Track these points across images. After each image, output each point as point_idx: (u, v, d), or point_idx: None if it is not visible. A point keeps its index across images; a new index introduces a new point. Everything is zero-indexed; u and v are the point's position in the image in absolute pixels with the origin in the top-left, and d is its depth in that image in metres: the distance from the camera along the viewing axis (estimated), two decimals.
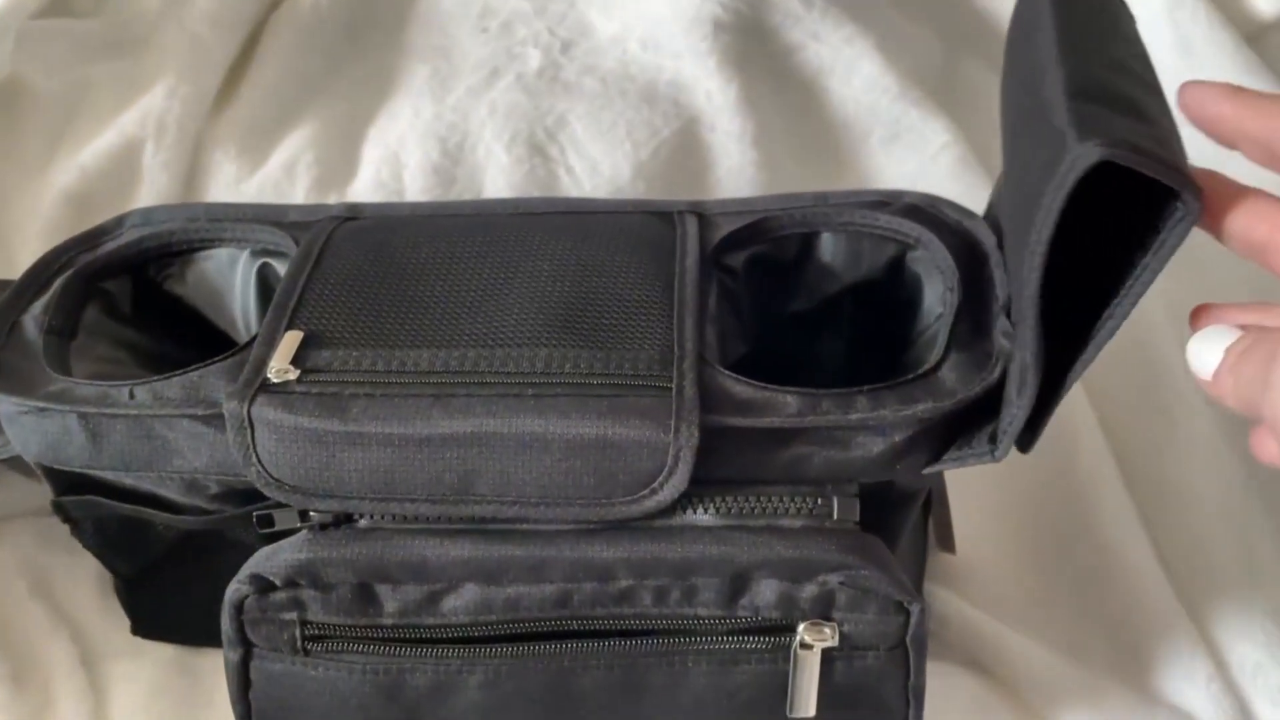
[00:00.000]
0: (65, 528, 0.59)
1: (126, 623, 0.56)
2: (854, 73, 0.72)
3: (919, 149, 0.70)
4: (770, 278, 0.51)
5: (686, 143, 0.68)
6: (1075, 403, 0.59)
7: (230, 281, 0.53)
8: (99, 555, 0.50)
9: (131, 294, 0.53)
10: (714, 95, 0.69)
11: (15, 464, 0.59)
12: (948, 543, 0.55)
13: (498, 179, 0.66)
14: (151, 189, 0.65)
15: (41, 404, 0.43)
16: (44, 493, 0.59)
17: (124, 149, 0.66)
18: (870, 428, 0.42)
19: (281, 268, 0.51)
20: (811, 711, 0.44)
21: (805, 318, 0.53)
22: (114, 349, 0.50)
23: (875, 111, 0.71)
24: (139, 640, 0.55)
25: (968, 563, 0.51)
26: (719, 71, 0.69)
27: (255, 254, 0.52)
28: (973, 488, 0.56)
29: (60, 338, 0.48)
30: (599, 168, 0.66)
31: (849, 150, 0.71)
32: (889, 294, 0.51)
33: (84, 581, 0.57)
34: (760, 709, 0.44)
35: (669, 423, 0.41)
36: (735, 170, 0.66)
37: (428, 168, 0.66)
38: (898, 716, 0.45)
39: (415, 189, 0.67)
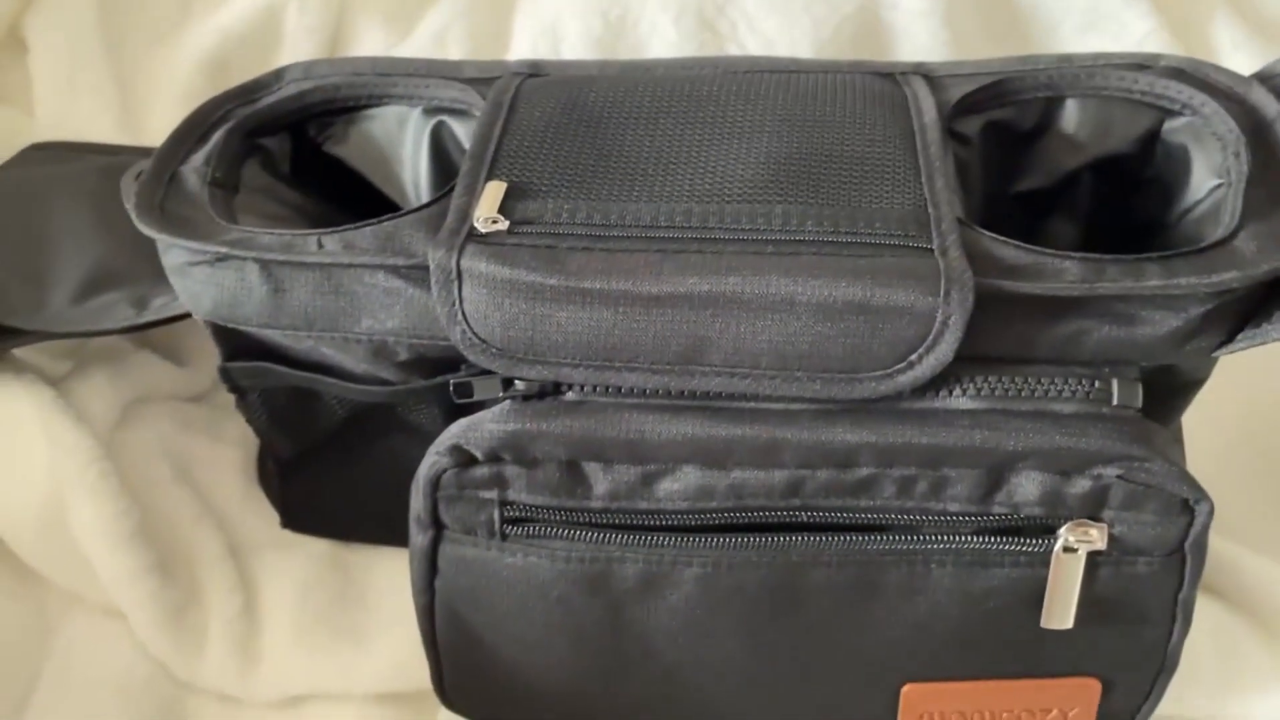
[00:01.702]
0: (206, 414, 0.55)
1: (273, 515, 0.52)
2: None
3: (1117, 37, 0.64)
4: (1006, 148, 0.46)
5: (869, 21, 0.62)
6: None
7: (399, 142, 0.48)
8: (262, 431, 0.46)
9: (291, 154, 0.48)
10: None
11: (150, 340, 0.56)
12: None
13: (663, 55, 0.61)
14: (294, 55, 0.61)
15: (221, 249, 0.39)
16: (183, 377, 0.56)
17: (266, 11, 0.62)
18: (1163, 300, 0.36)
19: (460, 128, 0.47)
20: (1069, 624, 0.39)
21: (1036, 198, 0.47)
22: (279, 207, 0.46)
23: None
24: (288, 534, 0.51)
25: (1201, 481, 0.45)
26: None
27: (429, 111, 0.47)
28: (1206, 401, 0.50)
29: (225, 190, 0.44)
30: (774, 45, 0.60)
31: (1038, 40, 0.65)
32: (1137, 171, 0.45)
33: (227, 471, 0.53)
34: (1008, 619, 0.39)
35: (937, 284, 0.36)
36: (923, 50, 0.61)
37: (589, 40, 0.61)
38: (1161, 632, 0.40)
39: None
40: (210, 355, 0.45)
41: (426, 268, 0.37)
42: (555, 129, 0.42)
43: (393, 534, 0.42)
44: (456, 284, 0.37)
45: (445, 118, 0.47)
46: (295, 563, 0.50)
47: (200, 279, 0.41)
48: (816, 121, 0.42)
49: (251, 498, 0.53)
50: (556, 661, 0.42)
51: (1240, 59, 0.65)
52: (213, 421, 0.54)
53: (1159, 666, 0.41)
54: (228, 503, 0.52)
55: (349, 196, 0.49)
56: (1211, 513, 0.37)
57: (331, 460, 0.48)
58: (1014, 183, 0.47)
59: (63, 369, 0.52)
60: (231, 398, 0.48)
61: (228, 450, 0.54)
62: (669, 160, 0.41)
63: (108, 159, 0.55)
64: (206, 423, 0.54)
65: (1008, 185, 0.47)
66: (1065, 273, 0.37)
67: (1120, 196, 0.46)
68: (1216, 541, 0.48)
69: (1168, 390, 0.40)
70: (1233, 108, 0.42)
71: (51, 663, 0.46)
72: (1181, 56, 0.45)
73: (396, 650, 0.47)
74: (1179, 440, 0.46)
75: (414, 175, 0.48)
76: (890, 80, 0.45)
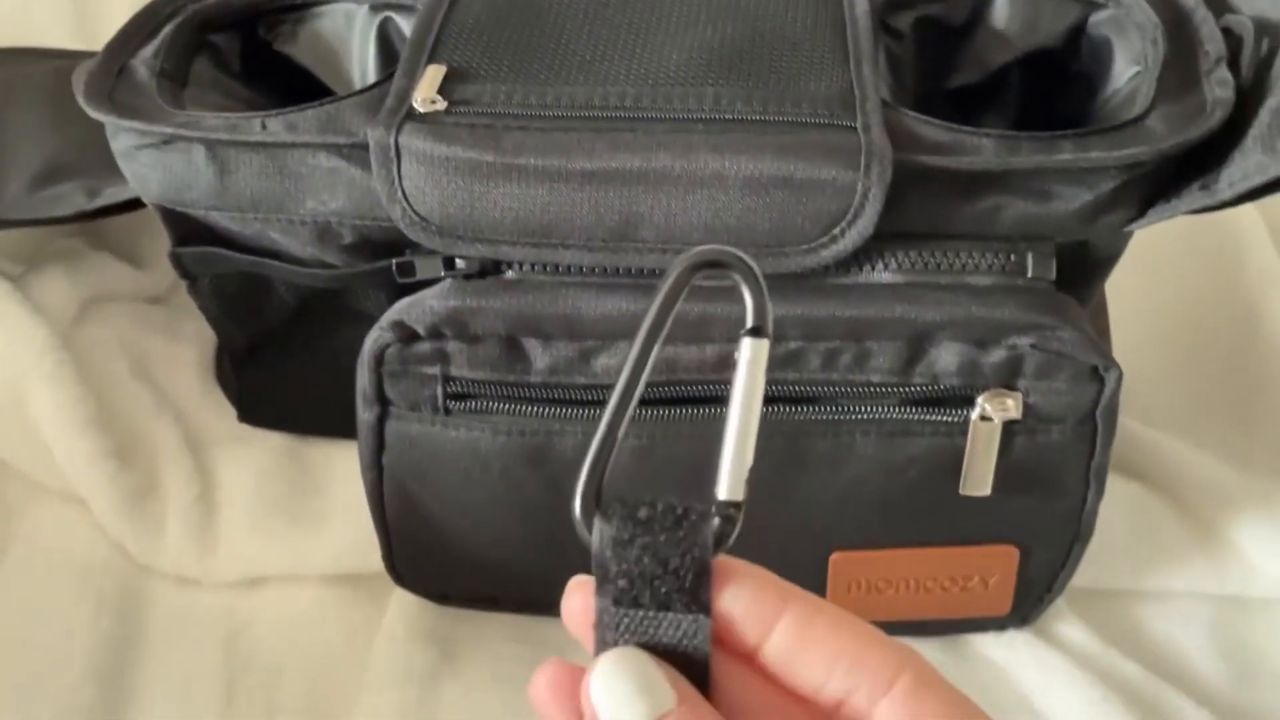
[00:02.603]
0: (164, 314, 0.57)
1: (230, 412, 0.53)
2: None
3: None
4: (937, 43, 0.47)
5: None
6: (1243, 210, 0.55)
7: (347, 39, 0.49)
8: (213, 319, 0.47)
9: (240, 52, 0.49)
10: None
11: (107, 242, 0.57)
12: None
13: None
14: None
15: (168, 131, 0.40)
16: (140, 278, 0.57)
17: None
18: (1075, 175, 0.38)
19: (405, 24, 0.48)
20: (987, 490, 0.41)
21: (967, 94, 0.49)
22: (228, 102, 0.46)
23: None
24: (245, 428, 0.53)
25: (1125, 373, 0.47)
26: None
27: (375, 8, 0.48)
28: (1131, 296, 0.52)
29: (173, 82, 0.45)
30: None
31: None
32: (1063, 65, 0.47)
33: (185, 368, 0.54)
34: (929, 487, 0.41)
35: (858, 159, 0.37)
36: None
37: None
38: (1076, 500, 0.42)
39: None
40: (167, 257, 0.46)
41: (367, 147, 0.39)
42: (496, 17, 0.43)
43: (347, 427, 0.43)
44: (395, 162, 0.38)
45: (392, 14, 0.48)
46: (252, 454, 0.51)
47: (148, 162, 0.42)
48: (751, 11, 0.43)
49: (209, 394, 0.54)
50: (502, 534, 0.44)
51: None
52: (170, 321, 0.56)
53: (1074, 534, 0.43)
54: (185, 398, 0.53)
55: (299, 95, 0.50)
56: (1120, 379, 0.39)
57: (285, 352, 0.49)
58: (946, 78, 0.48)
59: (18, 270, 0.53)
60: (189, 300, 0.49)
61: (185, 349, 0.55)
62: (606, 47, 0.42)
63: (63, 62, 0.55)
64: (164, 322, 0.56)
65: (940, 81, 0.48)
66: (982, 149, 0.38)
67: (1048, 91, 0.48)
68: (1140, 428, 0.51)
69: (1083, 267, 0.42)
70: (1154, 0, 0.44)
71: (14, 546, 0.48)
72: None
73: (351, 534, 0.48)
74: (1102, 319, 0.47)
75: (362, 71, 0.49)
76: None
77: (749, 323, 0.24)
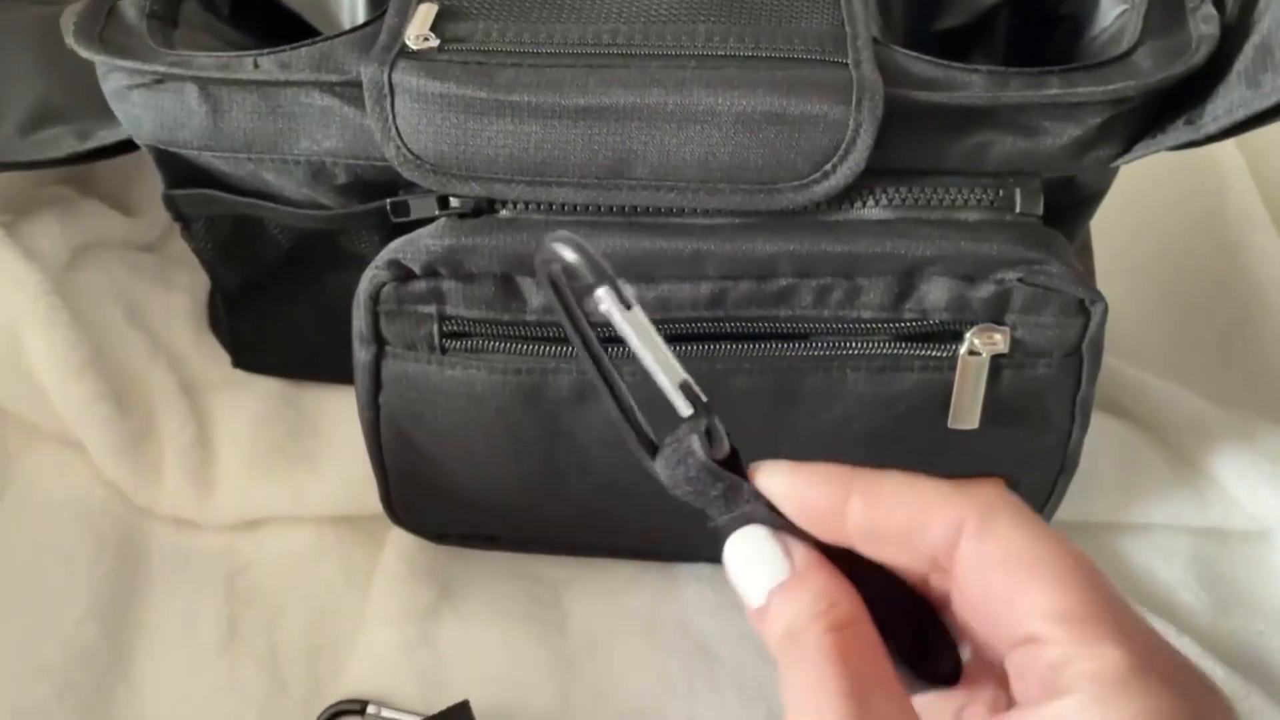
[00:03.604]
0: (157, 262, 0.57)
1: (225, 358, 0.54)
2: None
3: None
4: None
5: None
6: (1223, 145, 0.55)
7: None
8: (207, 262, 0.47)
9: None
10: None
11: (98, 189, 0.57)
12: None
13: None
14: None
15: (160, 70, 0.40)
16: (132, 226, 0.57)
17: None
18: (1062, 110, 0.38)
19: None
20: (975, 424, 0.42)
21: (956, 36, 0.49)
22: (217, 43, 0.46)
23: None
24: (239, 373, 0.53)
25: (1110, 312, 0.48)
26: None
27: None
28: (1116, 236, 0.53)
29: (163, 23, 0.44)
30: None
31: None
32: (1051, 6, 0.47)
33: (178, 315, 0.55)
34: (918, 421, 0.42)
35: (849, 94, 0.37)
36: None
37: None
38: (1061, 432, 0.43)
39: None
40: (159, 205, 0.46)
41: (360, 85, 0.39)
42: None
43: (342, 371, 0.44)
44: (389, 99, 0.38)
45: None
46: (247, 398, 0.52)
47: (140, 102, 0.42)
48: None
49: (203, 341, 0.54)
50: (498, 472, 0.44)
51: None
52: (163, 269, 0.56)
53: (1059, 466, 0.44)
54: (179, 345, 0.54)
55: (288, 40, 0.50)
56: (1105, 313, 0.39)
57: (278, 296, 0.49)
58: (936, 19, 0.49)
59: (8, 218, 0.53)
60: (182, 249, 0.49)
61: (179, 297, 0.55)
62: None
63: (48, 9, 0.55)
64: (157, 270, 0.56)
65: (929, 22, 0.49)
66: (972, 84, 0.38)
67: (1036, 32, 0.48)
68: (1123, 366, 0.52)
69: (1070, 203, 0.42)
70: None
71: (12, 489, 0.48)
72: None
73: (348, 476, 0.49)
74: (1088, 259, 0.48)
75: (351, 16, 0.49)
76: None
77: (592, 279, 0.26)
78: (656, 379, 0.27)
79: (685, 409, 0.26)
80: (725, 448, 0.26)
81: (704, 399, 0.26)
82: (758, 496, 0.26)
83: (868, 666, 0.23)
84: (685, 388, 0.27)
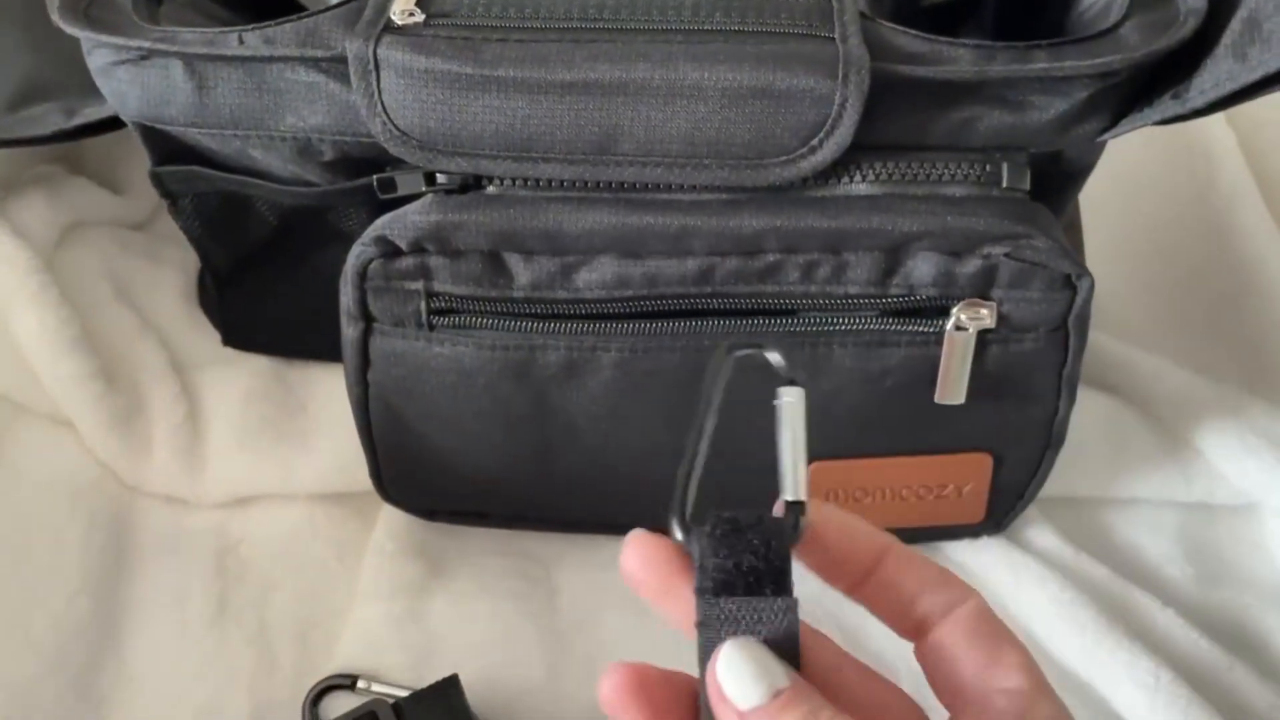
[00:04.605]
0: (146, 240, 0.57)
1: (214, 335, 0.54)
2: None
3: None
4: None
5: None
6: (1213, 123, 0.55)
7: None
8: (196, 239, 0.47)
9: None
10: None
11: (85, 168, 0.57)
12: None
13: None
14: None
15: (145, 45, 0.40)
16: (121, 204, 0.57)
17: None
18: (1050, 84, 0.38)
19: None
20: (961, 399, 0.42)
21: (943, 12, 0.49)
22: (203, 19, 0.46)
23: None
24: (229, 351, 0.53)
25: (1098, 289, 0.49)
26: None
27: None
28: (1104, 212, 0.53)
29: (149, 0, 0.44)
30: None
31: None
32: None
33: (168, 293, 0.55)
34: (905, 396, 0.42)
35: (836, 69, 0.37)
36: None
37: None
38: (1048, 407, 0.43)
39: None
40: (148, 183, 0.46)
41: (346, 60, 0.39)
42: None
43: (331, 349, 0.44)
44: (374, 74, 0.38)
45: None
46: (237, 376, 0.52)
47: (125, 79, 0.41)
48: None
49: (193, 319, 0.54)
50: (487, 448, 0.44)
51: None
52: (152, 248, 0.56)
53: (1046, 441, 0.44)
54: (169, 323, 0.54)
55: (273, 16, 0.50)
56: (1092, 288, 0.40)
57: (267, 274, 0.49)
58: None
59: None
60: (170, 228, 0.49)
61: (168, 274, 0.55)
62: None
63: None
64: (145, 249, 0.56)
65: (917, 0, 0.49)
66: (958, 59, 0.38)
67: (1025, 8, 0.48)
68: (1111, 341, 0.52)
69: (1057, 178, 0.42)
70: None
71: (2, 466, 0.48)
72: None
73: (339, 452, 0.49)
74: (1076, 236, 0.48)
75: None
76: None
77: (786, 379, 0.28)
78: (783, 458, 0.27)
79: (798, 494, 0.27)
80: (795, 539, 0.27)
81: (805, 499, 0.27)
82: (790, 590, 0.27)
83: None
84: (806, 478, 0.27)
